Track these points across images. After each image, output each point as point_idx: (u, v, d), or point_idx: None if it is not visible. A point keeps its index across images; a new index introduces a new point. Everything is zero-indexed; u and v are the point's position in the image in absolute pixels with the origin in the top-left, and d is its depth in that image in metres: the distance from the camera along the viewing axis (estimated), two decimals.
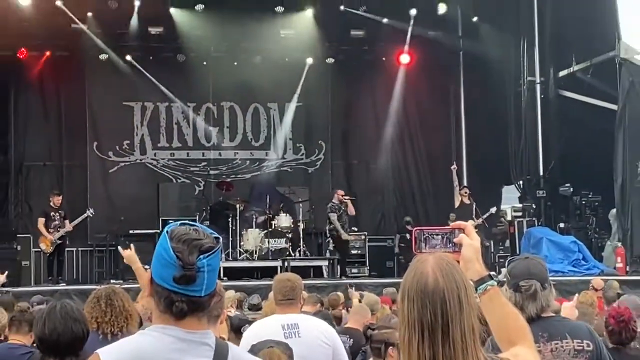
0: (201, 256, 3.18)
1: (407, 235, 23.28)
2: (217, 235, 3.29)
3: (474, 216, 21.10)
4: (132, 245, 7.76)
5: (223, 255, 21.91)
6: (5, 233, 23.32)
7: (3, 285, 11.32)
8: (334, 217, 21.93)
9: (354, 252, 22.90)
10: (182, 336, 3.21)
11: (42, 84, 25.22)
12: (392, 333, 7.03)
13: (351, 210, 22.26)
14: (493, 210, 22.35)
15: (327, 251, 23.20)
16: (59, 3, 22.78)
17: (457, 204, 22.23)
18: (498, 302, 3.46)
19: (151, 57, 25.36)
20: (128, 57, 24.94)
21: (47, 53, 24.60)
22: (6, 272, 11.51)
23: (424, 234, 3.48)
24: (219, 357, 3.27)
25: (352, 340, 8.87)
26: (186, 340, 3.21)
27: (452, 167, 22.71)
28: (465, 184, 23.71)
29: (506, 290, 5.32)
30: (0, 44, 23.83)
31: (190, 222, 3.30)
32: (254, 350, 5.45)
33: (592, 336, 5.40)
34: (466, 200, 22.34)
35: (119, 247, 7.82)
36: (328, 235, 22.48)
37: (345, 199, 22.11)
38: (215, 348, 3.27)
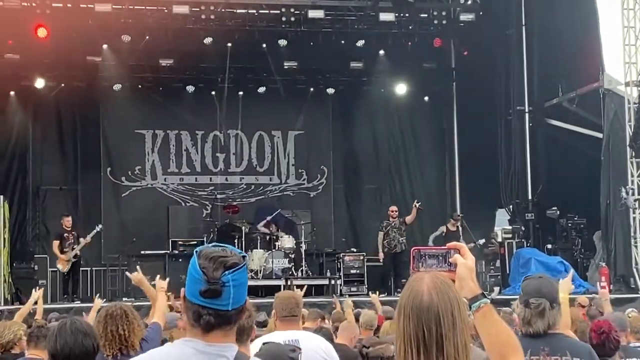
0: (226, 272, 3.21)
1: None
2: (244, 254, 3.33)
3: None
4: (138, 267, 7.71)
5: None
6: (23, 253, 23.31)
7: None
8: (379, 236, 22.46)
9: (353, 271, 22.85)
10: (201, 348, 3.24)
11: (59, 112, 25.27)
12: (387, 347, 6.98)
13: (408, 219, 22.58)
14: (480, 242, 22.48)
15: (328, 271, 23.18)
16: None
17: (443, 233, 22.70)
18: (491, 319, 3.42)
19: (161, 88, 25.42)
20: (138, 88, 25.04)
21: (63, 84, 24.62)
22: (41, 290, 11.44)
23: (421, 254, 3.47)
24: None
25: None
26: (205, 352, 3.23)
27: (416, 204, 22.89)
28: (454, 211, 23.95)
29: (518, 305, 5.36)
30: (20, 75, 23.91)
31: (220, 244, 3.36)
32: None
33: (592, 357, 5.39)
34: (452, 228, 22.48)
35: (127, 273, 7.76)
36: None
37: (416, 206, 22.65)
38: None
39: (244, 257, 3.31)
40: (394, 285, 22.06)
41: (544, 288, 5.37)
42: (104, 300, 11.25)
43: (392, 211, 22.77)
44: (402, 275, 21.06)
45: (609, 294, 9.96)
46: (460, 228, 22.66)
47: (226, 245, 3.35)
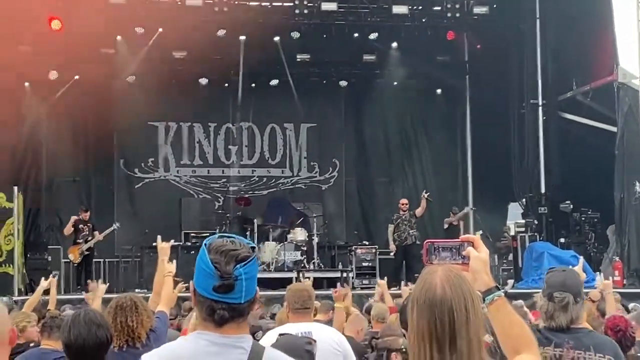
0: (238, 265, 3.21)
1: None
2: (253, 245, 3.33)
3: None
4: (172, 240, 7.59)
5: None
6: (37, 244, 23.38)
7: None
8: (390, 228, 22.43)
9: (365, 264, 22.83)
10: (216, 340, 3.25)
11: (73, 104, 25.26)
12: (395, 340, 6.97)
13: (418, 211, 22.52)
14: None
15: (340, 263, 23.18)
16: None
17: (446, 226, 22.88)
18: (505, 312, 3.41)
19: (174, 80, 25.42)
20: (152, 80, 25.02)
21: (77, 76, 24.61)
22: (49, 280, 11.42)
23: (434, 247, 3.46)
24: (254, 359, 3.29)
25: None
26: (220, 343, 3.25)
27: (424, 195, 22.88)
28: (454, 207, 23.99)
29: (541, 298, 5.33)
30: (33, 67, 23.92)
31: (228, 235, 3.35)
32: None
33: (617, 353, 5.35)
34: (454, 222, 22.55)
35: (159, 238, 7.66)
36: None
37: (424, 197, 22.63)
38: (250, 351, 3.30)
39: (253, 248, 3.31)
40: (406, 278, 22.04)
41: (569, 282, 5.32)
42: (107, 287, 11.15)
43: (403, 204, 22.73)
44: (414, 268, 21.03)
45: (611, 287, 9.89)
46: (460, 222, 22.77)
47: (234, 235, 3.35)
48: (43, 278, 11.52)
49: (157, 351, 3.35)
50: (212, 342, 3.25)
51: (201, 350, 3.24)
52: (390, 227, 22.56)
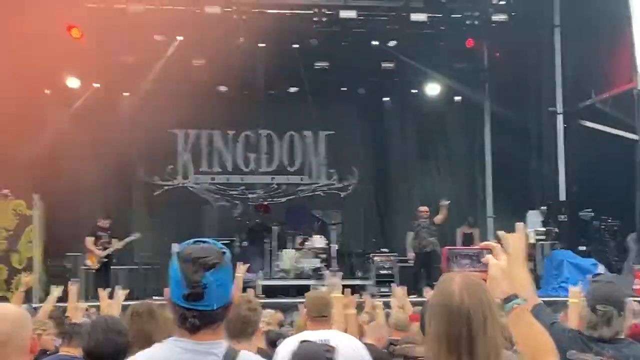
0: (206, 273, 3.20)
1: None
2: (225, 250, 3.31)
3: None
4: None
5: (261, 274, 21.96)
6: (56, 252, 23.43)
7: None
8: (409, 236, 22.48)
9: (383, 272, 22.80)
10: (189, 347, 3.26)
11: (93, 111, 25.38)
12: (413, 347, 6.96)
13: (437, 219, 22.44)
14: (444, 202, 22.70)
15: (359, 271, 23.18)
16: None
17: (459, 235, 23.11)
18: (524, 321, 3.40)
19: (193, 88, 25.46)
20: (170, 88, 25.12)
21: (97, 83, 24.74)
22: (61, 287, 11.43)
23: (453, 253, 3.45)
24: None
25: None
26: (192, 350, 3.26)
27: (445, 203, 22.84)
28: (469, 216, 23.92)
29: (583, 306, 5.31)
30: (53, 75, 24.04)
31: (202, 240, 3.34)
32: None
33: None
34: (467, 231, 22.51)
35: (174, 246, 7.71)
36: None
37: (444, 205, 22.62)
38: (223, 357, 3.29)
39: (224, 253, 3.29)
40: (425, 286, 22.01)
41: (613, 294, 5.30)
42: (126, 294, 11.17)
43: (422, 211, 22.69)
44: (433, 276, 20.96)
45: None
46: (475, 231, 22.75)
47: (207, 240, 3.34)
48: (53, 286, 11.52)
49: (133, 358, 3.39)
50: (185, 348, 3.26)
51: (175, 357, 3.26)
52: (410, 235, 22.54)
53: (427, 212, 22.60)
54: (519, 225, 3.59)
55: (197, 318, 3.23)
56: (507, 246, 3.47)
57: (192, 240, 3.34)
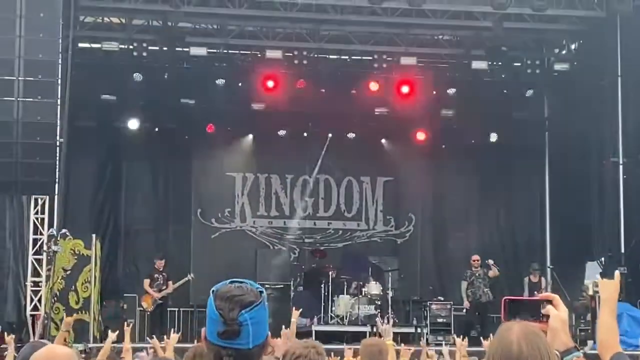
0: (243, 311, 3.21)
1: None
2: (261, 289, 3.32)
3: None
4: None
5: (315, 319, 21.93)
6: (113, 292, 23.63)
7: (114, 342, 11.35)
8: (463, 285, 22.58)
9: (439, 320, 22.63)
10: None
11: (152, 153, 25.71)
12: None
13: (490, 273, 22.58)
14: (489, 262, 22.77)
15: (414, 319, 23.04)
16: None
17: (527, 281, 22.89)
18: None
19: (253, 131, 25.71)
20: (229, 131, 25.40)
21: (156, 126, 25.09)
22: (117, 332, 11.55)
23: (513, 304, 3.43)
24: None
25: None
26: None
27: (489, 262, 22.96)
28: (533, 262, 23.64)
29: None
30: (115, 115, 24.41)
31: (238, 280, 3.34)
32: None
33: None
34: (534, 279, 22.31)
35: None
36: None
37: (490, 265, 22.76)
38: None
39: (261, 292, 3.30)
40: (481, 336, 21.80)
41: None
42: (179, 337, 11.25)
43: (475, 260, 22.69)
44: (488, 326, 20.80)
45: None
46: (543, 279, 22.51)
47: (244, 280, 3.34)
48: (110, 330, 11.63)
49: None
50: None
51: None
52: (464, 284, 22.45)
53: (479, 261, 22.52)
54: (618, 273, 3.55)
55: (232, 357, 3.22)
56: (601, 292, 3.44)
57: (228, 280, 3.35)
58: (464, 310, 22.51)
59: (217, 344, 3.22)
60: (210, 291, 3.29)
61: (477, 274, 22.33)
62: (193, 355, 6.46)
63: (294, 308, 9.16)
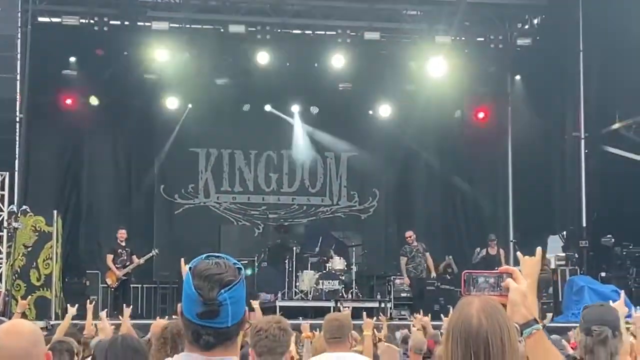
0: (222, 290, 3.15)
1: (447, 277, 23.69)
2: (239, 266, 3.26)
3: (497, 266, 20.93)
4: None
5: (279, 295, 21.95)
6: (75, 269, 23.52)
7: (73, 319, 11.28)
8: (402, 261, 22.57)
9: (403, 295, 22.73)
10: None
11: (114, 129, 25.53)
12: None
13: (429, 263, 22.82)
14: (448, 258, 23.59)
15: (378, 294, 23.11)
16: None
17: (483, 254, 22.78)
18: (542, 346, 3.36)
19: (216, 107, 25.60)
20: (193, 107, 25.28)
21: (118, 101, 24.92)
22: (76, 306, 11.48)
23: (472, 277, 3.43)
24: None
25: None
26: None
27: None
28: (493, 234, 23.69)
29: (578, 332, 5.29)
30: (75, 91, 24.19)
31: (215, 255, 3.27)
32: None
33: None
34: (492, 251, 22.41)
35: (182, 260, 7.72)
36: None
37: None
38: None
39: (239, 269, 3.24)
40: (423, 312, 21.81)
41: (607, 315, 5.30)
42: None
43: (408, 237, 22.76)
44: (428, 301, 21.21)
45: None
46: (502, 252, 22.61)
47: (221, 255, 3.28)
48: (69, 305, 11.57)
49: None
50: None
51: None
52: (403, 260, 22.55)
53: (411, 237, 22.64)
54: (539, 249, 3.57)
55: (211, 336, 3.17)
56: (522, 268, 3.46)
57: (204, 255, 3.28)
58: (404, 286, 22.63)
59: (196, 322, 3.17)
60: (188, 268, 3.22)
61: (416, 250, 22.46)
62: (171, 335, 6.45)
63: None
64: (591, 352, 5.21)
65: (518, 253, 3.46)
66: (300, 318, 18.44)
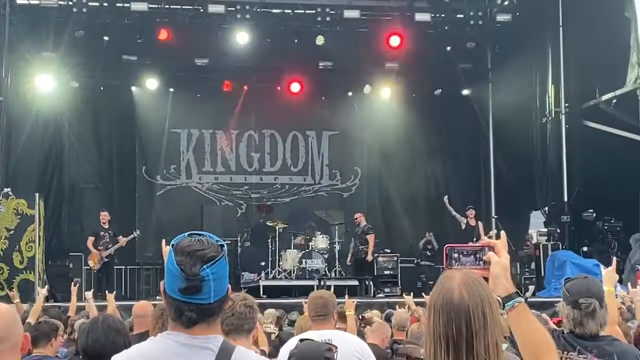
0: (204, 266, 3.15)
1: (427, 253, 24.01)
2: (222, 243, 3.26)
3: (476, 237, 20.96)
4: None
5: (263, 274, 21.95)
6: (58, 251, 23.45)
7: (48, 300, 11.26)
8: (352, 243, 22.97)
9: (386, 272, 22.77)
10: (184, 341, 3.21)
11: (95, 111, 25.43)
12: (416, 348, 6.94)
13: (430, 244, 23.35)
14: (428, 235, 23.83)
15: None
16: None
17: (463, 226, 22.64)
18: (525, 319, 3.36)
19: (196, 87, 25.53)
20: (173, 88, 25.21)
21: (99, 83, 24.83)
22: (46, 286, 11.46)
23: (454, 251, 3.41)
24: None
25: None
26: (187, 345, 3.20)
27: (444, 199, 23.26)
28: (472, 205, 23.61)
29: (564, 306, 5.29)
30: (57, 73, 24.03)
31: (197, 232, 3.28)
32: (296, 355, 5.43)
33: None
34: (472, 222, 22.44)
35: (164, 241, 7.72)
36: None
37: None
38: (218, 352, 3.23)
39: (221, 246, 3.24)
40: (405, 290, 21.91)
41: (592, 287, 5.30)
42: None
43: (356, 218, 22.94)
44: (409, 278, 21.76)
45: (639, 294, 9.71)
46: (480, 224, 22.65)
47: (204, 233, 3.28)
48: (39, 287, 11.55)
49: (126, 352, 3.31)
50: (180, 343, 3.21)
51: (170, 352, 3.20)
52: (354, 241, 22.71)
53: (358, 218, 22.77)
54: (503, 233, 3.57)
55: (193, 312, 3.17)
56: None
57: (187, 233, 3.28)
58: (349, 263, 22.89)
59: (178, 298, 3.17)
60: (170, 245, 3.22)
61: (357, 231, 22.70)
62: (161, 314, 6.43)
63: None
64: (580, 324, 5.22)
65: (502, 232, 3.45)
66: (292, 298, 18.53)
